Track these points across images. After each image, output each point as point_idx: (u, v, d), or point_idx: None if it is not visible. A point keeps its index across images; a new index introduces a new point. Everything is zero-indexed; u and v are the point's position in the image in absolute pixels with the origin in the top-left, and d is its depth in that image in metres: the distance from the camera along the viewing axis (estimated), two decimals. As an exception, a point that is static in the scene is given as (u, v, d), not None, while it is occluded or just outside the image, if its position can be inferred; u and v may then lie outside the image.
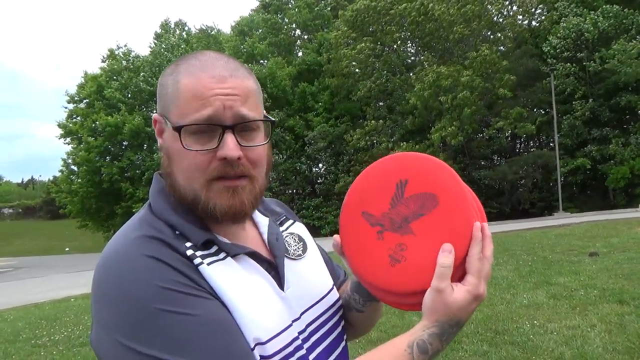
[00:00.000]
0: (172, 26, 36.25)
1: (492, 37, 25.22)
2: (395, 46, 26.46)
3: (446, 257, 0.70)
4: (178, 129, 0.72)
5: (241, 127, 0.73)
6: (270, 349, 0.71)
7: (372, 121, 25.32)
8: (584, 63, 23.65)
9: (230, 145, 0.71)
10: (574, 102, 24.06)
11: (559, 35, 23.97)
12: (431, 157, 0.76)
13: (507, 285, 6.34)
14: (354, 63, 24.93)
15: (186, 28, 36.87)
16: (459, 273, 0.71)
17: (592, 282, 5.96)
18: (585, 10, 24.31)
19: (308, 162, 28.30)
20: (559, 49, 23.93)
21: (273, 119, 0.80)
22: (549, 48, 24.28)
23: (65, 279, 13.58)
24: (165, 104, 0.78)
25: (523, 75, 25.69)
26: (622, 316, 4.47)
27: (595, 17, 23.40)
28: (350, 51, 24.53)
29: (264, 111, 0.81)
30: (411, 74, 24.82)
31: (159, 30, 36.02)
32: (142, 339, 0.62)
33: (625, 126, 25.51)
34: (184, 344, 0.62)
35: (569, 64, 23.80)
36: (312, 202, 27.85)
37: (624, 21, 23.03)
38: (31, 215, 56.78)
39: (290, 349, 0.74)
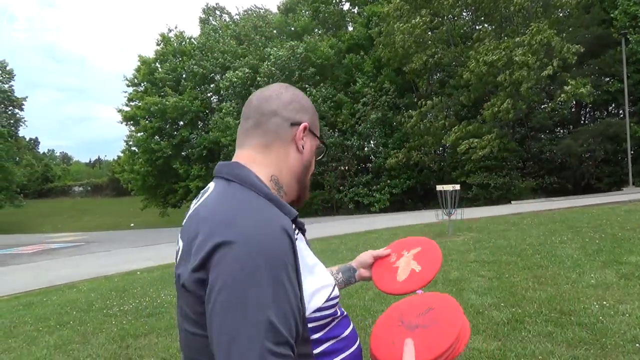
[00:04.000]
0: (217, 12, 36.87)
1: (553, 2, 23.50)
2: (451, 15, 25.31)
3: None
4: (324, 147, 1.09)
5: None
6: (335, 292, 1.02)
7: (428, 101, 24.52)
8: None
9: None
10: None
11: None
12: (459, 312, 1.04)
13: (572, 264, 6.04)
14: (407, 37, 24.01)
15: (226, 11, 37.47)
16: None
17: (668, 262, 5.56)
18: None
19: (359, 141, 27.99)
20: (637, 14, 22.01)
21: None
22: (617, 12, 22.40)
23: (131, 253, 14.35)
24: (314, 123, 1.04)
25: (592, 43, 23.89)
26: None
27: None
28: (405, 25, 23.64)
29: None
30: (468, 44, 23.67)
31: (202, 15, 36.78)
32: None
33: None
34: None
35: None
36: (362, 179, 27.65)
37: None
38: (99, 193, 60.19)
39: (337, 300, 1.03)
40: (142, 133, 30.78)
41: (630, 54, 22.28)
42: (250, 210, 0.83)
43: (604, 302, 4.30)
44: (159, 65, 32.79)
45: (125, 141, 32.71)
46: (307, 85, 26.85)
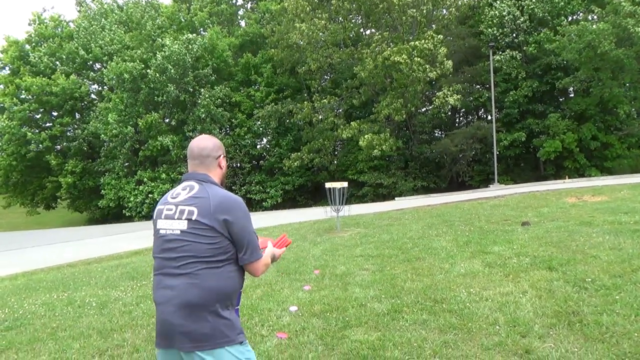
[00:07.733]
0: None
1: (435, 13, 25.40)
2: (341, 18, 26.07)
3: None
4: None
5: None
6: None
7: (324, 100, 24.98)
8: (523, 48, 24.60)
9: None
10: (518, 82, 24.98)
11: (495, 21, 24.66)
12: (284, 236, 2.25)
13: (445, 255, 6.54)
14: (304, 37, 24.12)
15: None
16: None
17: (524, 250, 6.25)
18: None
19: (252, 138, 27.77)
20: (499, 36, 24.73)
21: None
22: (488, 31, 24.95)
23: (-10, 259, 12.63)
24: (224, 151, 2.06)
25: (466, 53, 26.24)
26: (551, 282, 4.72)
27: (530, 2, 24.26)
28: (307, 25, 23.63)
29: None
30: (363, 48, 24.50)
31: None
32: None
33: (560, 102, 27.05)
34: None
35: (508, 49, 24.69)
36: (254, 177, 27.55)
37: (560, 4, 24.01)
38: (-49, 191, 52.30)
39: None
40: (4, 122, 27.21)
41: (499, 66, 24.87)
42: (229, 193, 1.86)
43: (471, 290, 4.71)
44: (28, 47, 29.42)
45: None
46: (201, 89, 25.85)
